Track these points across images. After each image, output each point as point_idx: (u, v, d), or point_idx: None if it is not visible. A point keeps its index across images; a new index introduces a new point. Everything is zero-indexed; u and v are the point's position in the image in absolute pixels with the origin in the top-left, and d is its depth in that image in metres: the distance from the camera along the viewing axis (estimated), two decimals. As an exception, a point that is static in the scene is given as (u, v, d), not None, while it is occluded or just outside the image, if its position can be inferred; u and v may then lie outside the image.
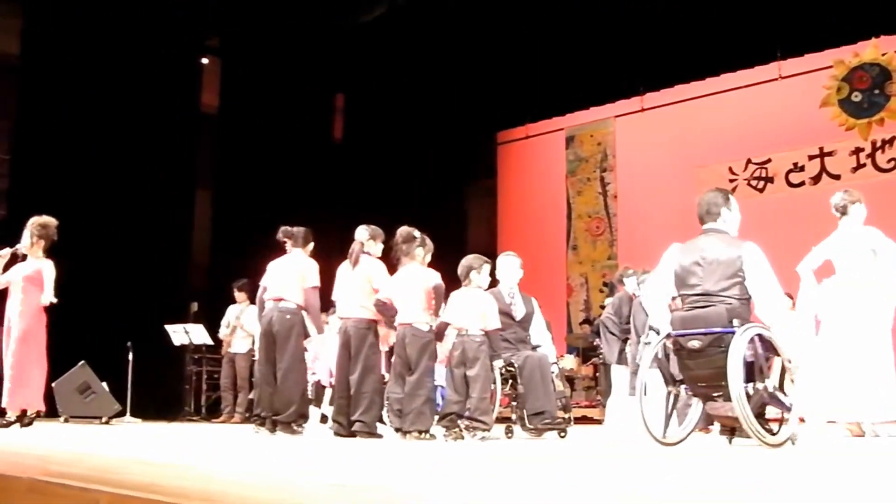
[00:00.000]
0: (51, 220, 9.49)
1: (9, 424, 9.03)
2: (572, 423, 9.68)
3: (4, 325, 9.34)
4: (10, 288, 9.35)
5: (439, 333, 8.01)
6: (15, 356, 9.11)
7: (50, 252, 9.52)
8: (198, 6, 14.74)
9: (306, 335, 8.94)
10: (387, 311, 8.19)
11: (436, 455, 5.55)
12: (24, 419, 9.14)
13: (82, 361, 11.65)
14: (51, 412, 11.53)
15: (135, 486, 3.25)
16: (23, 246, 9.35)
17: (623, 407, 10.61)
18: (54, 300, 9.29)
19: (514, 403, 8.48)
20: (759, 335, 6.09)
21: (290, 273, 8.86)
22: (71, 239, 13.54)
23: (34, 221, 9.45)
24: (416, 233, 8.21)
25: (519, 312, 8.89)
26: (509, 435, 8.44)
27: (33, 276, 9.28)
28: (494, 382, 8.19)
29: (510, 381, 8.43)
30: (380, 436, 8.16)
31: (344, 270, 8.55)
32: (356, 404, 8.16)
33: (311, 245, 9.06)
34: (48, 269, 9.33)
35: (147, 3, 14.37)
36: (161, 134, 15.01)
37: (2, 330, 9.35)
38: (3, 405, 9.12)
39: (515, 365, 8.39)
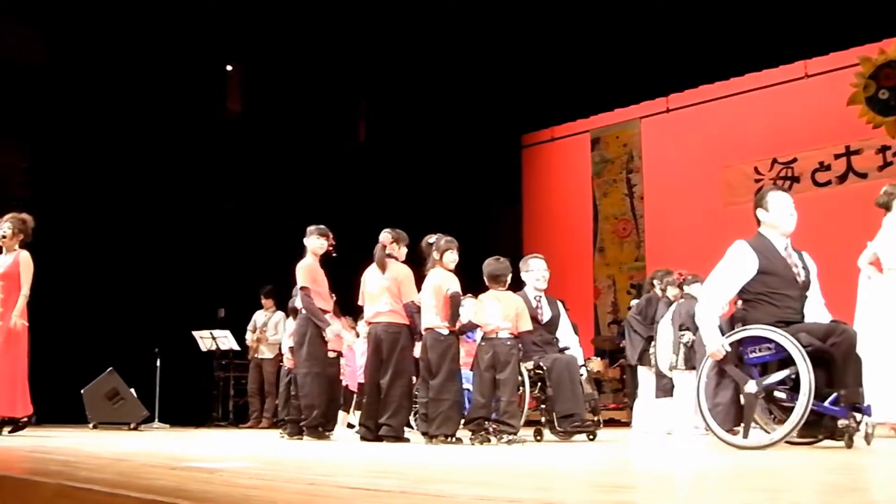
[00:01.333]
0: (29, 218, 9.16)
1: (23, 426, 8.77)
2: (601, 425, 9.66)
3: None
4: None
5: (463, 331, 8.00)
6: None
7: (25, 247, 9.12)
8: (221, 13, 14.77)
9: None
10: (412, 313, 8.20)
11: (461, 459, 5.54)
12: (13, 425, 8.84)
13: (110, 368, 11.73)
14: (79, 418, 11.62)
15: (161, 490, 3.26)
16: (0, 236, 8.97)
17: (649, 408, 10.59)
18: (27, 293, 8.90)
19: (543, 406, 8.46)
20: (759, 338, 6.11)
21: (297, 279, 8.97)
22: (96, 246, 13.69)
23: (13, 215, 9.12)
24: (430, 238, 8.19)
25: (545, 315, 8.88)
26: (538, 438, 8.42)
27: (10, 271, 8.92)
28: (523, 385, 8.18)
29: (539, 384, 8.42)
30: (406, 440, 8.16)
31: (370, 275, 8.55)
32: (384, 408, 8.17)
33: (314, 239, 9.07)
34: (25, 262, 8.97)
35: (171, 11, 14.41)
36: (185, 139, 15.08)
37: None
38: None
39: (544, 367, 8.38)
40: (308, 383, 8.77)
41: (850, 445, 5.84)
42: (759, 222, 6.54)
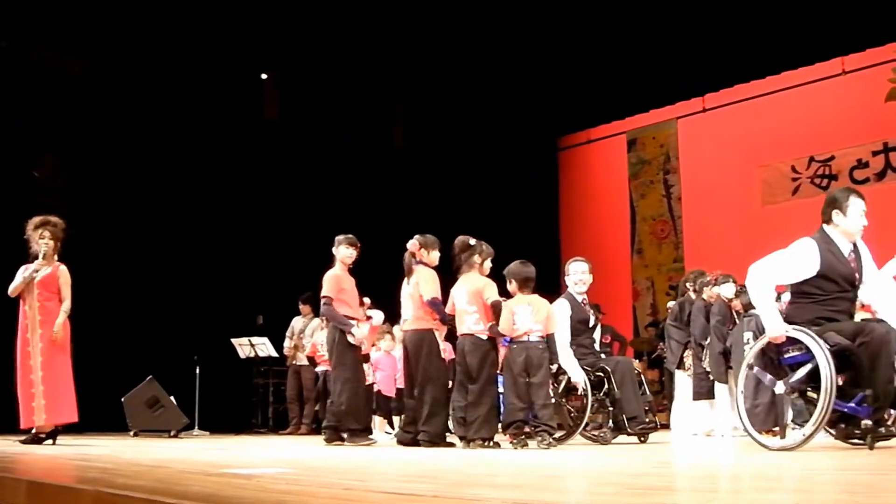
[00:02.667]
0: (60, 221, 9.07)
1: (40, 441, 8.68)
2: (658, 427, 9.69)
3: (20, 336, 8.85)
4: (25, 296, 8.86)
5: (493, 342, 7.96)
6: (45, 369, 8.69)
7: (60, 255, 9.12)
8: (255, 21, 14.85)
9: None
10: (437, 309, 8.16)
11: (497, 462, 5.54)
12: (55, 434, 8.81)
13: (150, 376, 11.79)
14: (120, 426, 11.70)
15: (196, 496, 3.28)
16: (45, 250, 8.90)
17: (686, 411, 10.55)
18: (68, 308, 8.92)
19: (612, 408, 8.44)
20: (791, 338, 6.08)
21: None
22: (135, 254, 13.78)
23: (44, 221, 9.00)
24: (472, 241, 8.16)
25: (592, 319, 8.88)
26: (604, 442, 8.41)
27: (48, 281, 8.86)
28: (585, 388, 8.15)
29: (603, 387, 8.39)
30: (449, 444, 8.14)
31: (403, 283, 8.57)
32: (419, 414, 8.18)
33: (343, 248, 9.03)
34: (64, 276, 8.95)
35: (204, 21, 14.49)
36: (222, 148, 15.14)
37: (22, 341, 8.83)
38: (37, 422, 8.67)
39: (607, 369, 8.37)
40: (339, 389, 8.78)
41: (871, 447, 5.77)
42: (827, 220, 6.45)
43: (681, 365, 10.74)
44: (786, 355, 6.13)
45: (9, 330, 9.07)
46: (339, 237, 9.12)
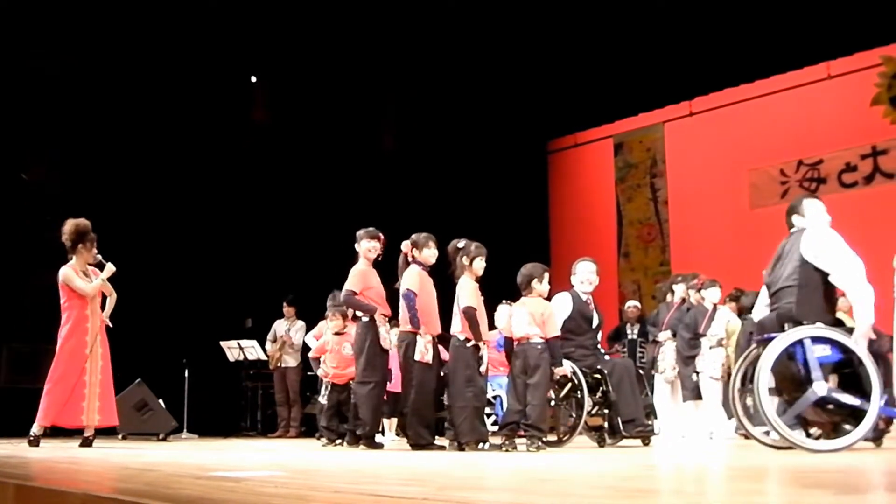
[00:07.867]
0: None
1: (91, 443, 8.75)
2: (658, 431, 9.68)
3: (77, 339, 8.81)
4: (87, 301, 8.91)
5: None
6: (104, 373, 8.83)
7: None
8: (244, 24, 14.83)
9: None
10: (408, 304, 8.13)
11: (491, 465, 5.54)
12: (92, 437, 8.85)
13: (139, 379, 11.77)
14: (108, 429, 11.68)
15: (185, 499, 3.28)
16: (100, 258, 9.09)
17: (672, 413, 10.57)
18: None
19: (607, 411, 8.43)
20: (817, 337, 6.06)
21: None
22: (123, 258, 13.73)
23: (88, 226, 9.18)
24: (460, 244, 8.14)
25: (596, 319, 8.87)
26: (602, 444, 8.42)
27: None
28: (581, 390, 8.15)
29: (599, 388, 8.39)
30: (439, 447, 8.12)
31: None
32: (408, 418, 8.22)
33: (365, 242, 8.84)
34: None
35: (197, 23, 14.47)
36: (211, 152, 15.13)
37: (80, 344, 8.81)
38: (95, 423, 8.77)
39: (604, 371, 8.37)
40: (366, 392, 8.57)
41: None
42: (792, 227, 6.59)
43: (654, 367, 10.78)
44: (818, 355, 6.10)
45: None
46: (360, 231, 8.93)
